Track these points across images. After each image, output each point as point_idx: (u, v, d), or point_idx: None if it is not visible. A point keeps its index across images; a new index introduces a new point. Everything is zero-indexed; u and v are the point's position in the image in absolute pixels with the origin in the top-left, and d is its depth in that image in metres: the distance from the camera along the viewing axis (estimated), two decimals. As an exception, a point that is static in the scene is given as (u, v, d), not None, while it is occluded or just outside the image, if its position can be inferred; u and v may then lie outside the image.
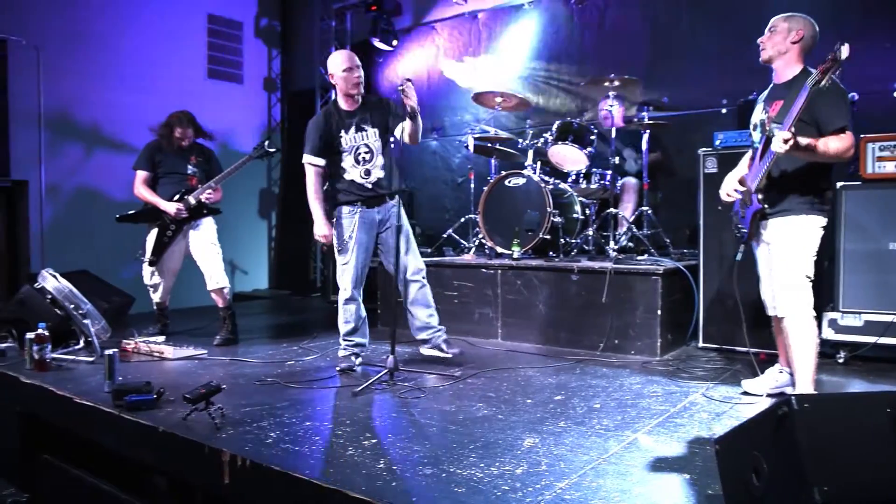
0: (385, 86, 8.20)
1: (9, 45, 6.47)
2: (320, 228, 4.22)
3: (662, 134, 5.94)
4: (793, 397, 1.84)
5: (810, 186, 3.26)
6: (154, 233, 5.15)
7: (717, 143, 4.69)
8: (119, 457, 3.40)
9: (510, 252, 5.39)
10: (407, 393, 3.68)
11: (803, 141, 3.03)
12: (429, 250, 6.23)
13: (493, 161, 6.29)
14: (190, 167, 5.19)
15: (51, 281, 4.67)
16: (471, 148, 6.06)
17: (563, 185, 5.68)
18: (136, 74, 7.33)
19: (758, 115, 3.46)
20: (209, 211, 5.18)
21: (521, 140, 5.97)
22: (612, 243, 5.34)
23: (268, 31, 9.16)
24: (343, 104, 4.27)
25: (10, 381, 4.09)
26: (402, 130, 4.24)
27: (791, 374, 3.44)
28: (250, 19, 8.87)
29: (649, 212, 5.52)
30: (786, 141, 2.99)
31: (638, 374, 4.13)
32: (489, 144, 6.12)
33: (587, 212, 5.64)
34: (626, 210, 5.80)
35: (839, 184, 4.19)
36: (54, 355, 4.31)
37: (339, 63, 4.20)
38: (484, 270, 5.36)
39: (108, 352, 3.73)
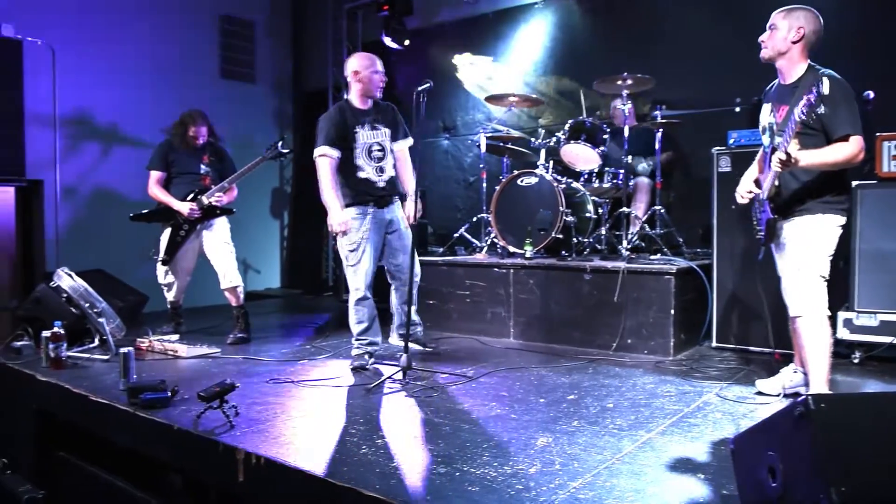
0: (397, 85, 8.20)
1: (24, 46, 6.53)
2: (339, 216, 4.13)
3: (675, 133, 5.92)
4: (810, 397, 1.82)
5: (827, 185, 3.22)
6: (167, 232, 5.18)
7: (731, 141, 4.66)
8: (134, 454, 3.43)
9: (522, 251, 5.38)
10: (420, 392, 3.68)
11: (804, 161, 3.01)
12: (440, 249, 6.23)
13: (505, 160, 6.28)
14: (203, 167, 5.22)
15: (66, 280, 4.70)
16: (483, 147, 6.06)
17: (575, 185, 5.66)
18: (150, 75, 7.37)
19: (766, 117, 3.41)
20: (222, 211, 5.20)
21: (533, 139, 5.96)
22: (624, 242, 5.32)
23: (280, 31, 9.19)
24: (357, 103, 4.30)
25: (27, 379, 4.13)
26: (397, 150, 4.46)
27: (805, 375, 3.41)
28: (262, 19, 8.90)
29: (662, 211, 5.50)
30: (781, 162, 2.98)
31: (651, 373, 4.11)
32: (501, 143, 6.11)
33: (600, 211, 5.62)
34: (639, 209, 5.78)
35: (854, 183, 4.15)
36: (70, 353, 4.34)
37: (368, 63, 4.27)
38: (496, 270, 5.36)
39: (124, 350, 3.76)
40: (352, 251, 4.22)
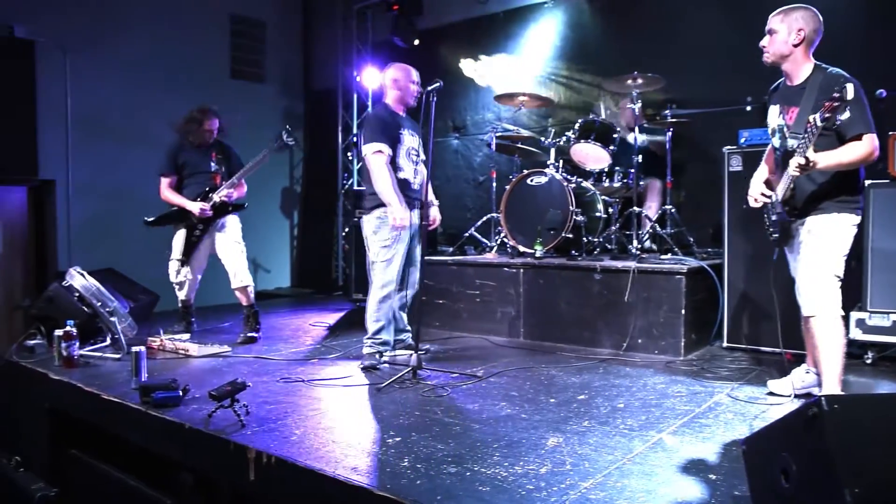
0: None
1: (37, 46, 6.57)
2: (401, 211, 4.16)
3: (686, 132, 5.89)
4: (823, 398, 1.81)
5: (842, 185, 3.20)
6: (182, 233, 5.20)
7: (742, 140, 4.65)
8: (145, 453, 3.44)
9: (532, 251, 5.38)
10: (430, 391, 3.68)
11: (821, 163, 3.00)
12: (450, 249, 6.23)
13: (515, 159, 6.27)
14: (213, 165, 5.23)
15: (78, 279, 4.73)
16: (493, 146, 6.06)
17: (585, 184, 5.66)
18: (161, 74, 7.41)
19: (774, 119, 3.39)
20: (234, 207, 5.22)
21: (543, 138, 5.95)
22: (634, 242, 5.31)
23: (289, 31, 9.21)
24: (396, 110, 4.47)
25: (40, 378, 4.16)
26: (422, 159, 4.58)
27: (818, 375, 3.40)
28: (272, 19, 8.92)
29: (673, 210, 5.48)
30: (800, 167, 2.97)
31: (662, 373, 4.10)
32: (511, 143, 6.11)
33: (610, 210, 5.61)
34: (650, 209, 5.77)
35: (867, 182, 4.12)
36: (82, 352, 4.38)
37: (409, 75, 4.47)
38: (506, 269, 5.35)
39: (135, 349, 3.78)
40: (385, 247, 4.26)
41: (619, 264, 4.85)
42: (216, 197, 5.09)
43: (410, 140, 4.43)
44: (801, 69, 3.27)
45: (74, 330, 4.28)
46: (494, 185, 6.32)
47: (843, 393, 3.16)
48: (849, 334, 3.97)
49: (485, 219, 6.29)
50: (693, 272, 4.65)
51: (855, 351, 4.13)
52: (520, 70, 7.21)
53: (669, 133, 5.57)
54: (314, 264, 9.19)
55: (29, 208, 7.05)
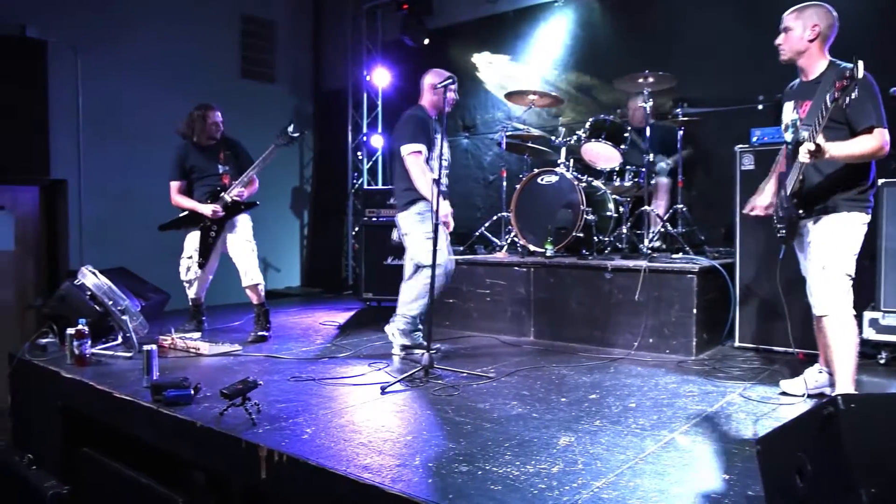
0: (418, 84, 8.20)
1: (49, 46, 6.61)
2: (446, 206, 4.40)
3: (697, 130, 5.87)
4: (839, 397, 1.80)
5: (851, 183, 3.19)
6: (196, 235, 5.21)
7: (754, 139, 4.63)
8: (157, 451, 3.45)
9: (543, 250, 5.37)
10: (441, 390, 3.68)
11: (830, 152, 2.98)
12: (461, 248, 6.22)
13: (525, 158, 6.26)
14: (220, 166, 5.21)
15: (90, 278, 4.75)
16: (503, 146, 6.05)
17: (596, 183, 5.64)
18: (172, 74, 7.44)
19: (788, 114, 3.40)
20: (246, 205, 5.23)
21: (553, 137, 5.94)
22: (645, 241, 5.29)
23: (299, 31, 9.23)
24: (430, 114, 4.61)
25: (52, 376, 4.18)
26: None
27: (830, 375, 3.38)
28: (283, 19, 8.94)
29: (684, 209, 5.46)
30: (810, 153, 2.95)
31: (673, 373, 4.09)
32: (521, 142, 6.10)
33: (621, 209, 5.60)
34: (661, 208, 5.75)
35: (881, 181, 4.09)
36: (94, 350, 4.39)
37: (444, 81, 4.47)
38: (516, 268, 5.35)
39: (147, 347, 3.79)
40: (429, 238, 4.30)
41: (630, 263, 4.84)
42: (227, 196, 5.10)
43: (440, 143, 4.47)
44: (816, 65, 3.27)
45: (86, 328, 4.29)
46: (505, 184, 6.31)
47: (857, 392, 3.14)
48: (862, 334, 3.95)
49: (495, 218, 6.28)
50: (705, 271, 4.63)
51: (868, 351, 4.10)
52: (529, 68, 7.20)
53: (681, 132, 5.54)
54: (324, 263, 9.21)
55: (41, 208, 7.10)
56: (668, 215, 5.59)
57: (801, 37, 3.24)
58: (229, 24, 8.32)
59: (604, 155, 5.67)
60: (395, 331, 4.58)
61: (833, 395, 2.02)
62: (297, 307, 7.36)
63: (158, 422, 3.32)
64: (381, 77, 8.55)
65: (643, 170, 5.52)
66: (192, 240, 5.24)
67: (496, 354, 4.64)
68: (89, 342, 4.29)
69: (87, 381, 3.87)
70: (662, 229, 5.49)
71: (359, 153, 8.80)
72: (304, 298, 8.33)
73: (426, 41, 7.76)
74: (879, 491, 1.68)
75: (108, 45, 7.03)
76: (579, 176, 5.51)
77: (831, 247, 3.20)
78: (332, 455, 2.67)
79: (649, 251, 5.19)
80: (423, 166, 4.42)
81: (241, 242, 5.18)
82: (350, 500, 2.45)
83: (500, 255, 5.80)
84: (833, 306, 3.18)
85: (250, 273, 5.17)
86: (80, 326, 4.28)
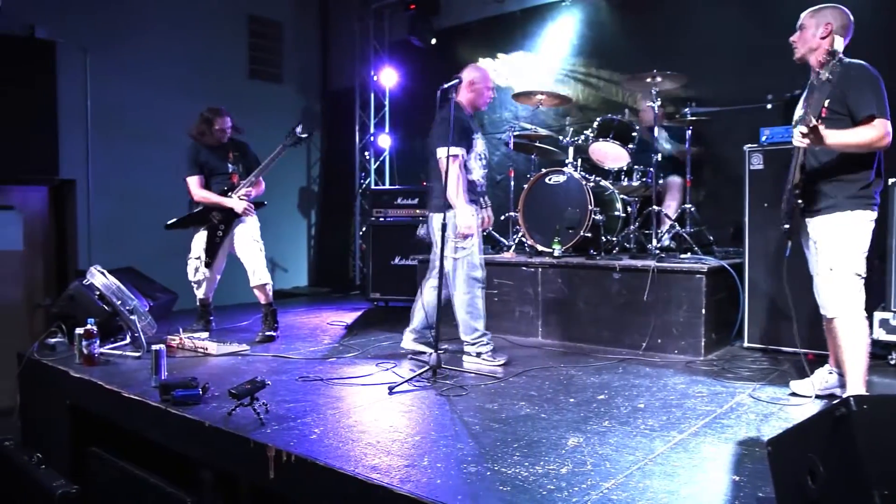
0: (425, 84, 8.20)
1: (58, 47, 6.63)
2: (469, 219, 4.21)
3: (706, 130, 5.84)
4: (851, 398, 1.78)
5: (856, 180, 3.16)
6: (203, 234, 5.22)
7: (764, 138, 4.59)
8: (166, 450, 3.46)
9: (551, 250, 5.36)
10: (449, 391, 3.67)
11: (829, 139, 2.97)
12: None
13: (533, 158, 6.25)
14: (230, 165, 5.23)
15: (99, 277, 4.76)
16: (511, 145, 6.04)
17: (604, 183, 5.62)
18: (180, 74, 7.47)
19: (798, 111, 3.41)
20: (254, 206, 5.23)
21: (561, 137, 5.92)
22: (654, 241, 5.27)
23: (307, 31, 9.25)
24: (467, 110, 4.48)
25: (61, 375, 4.19)
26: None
27: (841, 376, 3.36)
28: (290, 19, 8.96)
29: (693, 209, 5.44)
30: (803, 135, 2.94)
31: (682, 373, 4.07)
32: (529, 142, 6.08)
33: (629, 209, 5.58)
34: (669, 208, 5.72)
35: (892, 180, 4.06)
36: (102, 350, 4.41)
37: (487, 79, 4.52)
38: (524, 268, 5.34)
39: (156, 347, 3.79)
40: (466, 237, 4.29)
41: (639, 263, 4.82)
42: (235, 196, 5.10)
43: (480, 144, 4.49)
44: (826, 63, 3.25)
45: (95, 328, 4.31)
46: (512, 184, 6.30)
47: (866, 393, 3.11)
48: (872, 335, 3.92)
49: (503, 218, 6.26)
50: (713, 272, 4.61)
51: (879, 351, 4.07)
52: (537, 68, 7.19)
53: (689, 131, 5.52)
54: (331, 263, 9.22)
55: (50, 208, 7.13)
56: (676, 214, 5.57)
57: (814, 34, 3.25)
58: (236, 24, 8.34)
59: (612, 154, 5.65)
60: (470, 360, 4.43)
61: (845, 396, 2.00)
62: (304, 307, 7.36)
63: (167, 421, 3.32)
64: (388, 77, 8.55)
65: (651, 169, 5.50)
66: (200, 240, 5.25)
67: (504, 355, 4.63)
68: (98, 342, 4.30)
69: (96, 380, 3.88)
70: (671, 229, 5.47)
71: (366, 153, 8.81)
72: (311, 298, 8.33)
73: (433, 41, 7.76)
74: (893, 492, 1.67)
75: (116, 45, 7.05)
76: (587, 176, 5.49)
77: (838, 247, 3.17)
78: (340, 455, 2.67)
79: (657, 251, 5.17)
80: (458, 171, 4.22)
81: (248, 242, 5.18)
82: (358, 501, 2.45)
83: (508, 255, 5.79)
84: (843, 308, 3.16)
85: (258, 273, 5.17)
86: (88, 326, 4.30)
